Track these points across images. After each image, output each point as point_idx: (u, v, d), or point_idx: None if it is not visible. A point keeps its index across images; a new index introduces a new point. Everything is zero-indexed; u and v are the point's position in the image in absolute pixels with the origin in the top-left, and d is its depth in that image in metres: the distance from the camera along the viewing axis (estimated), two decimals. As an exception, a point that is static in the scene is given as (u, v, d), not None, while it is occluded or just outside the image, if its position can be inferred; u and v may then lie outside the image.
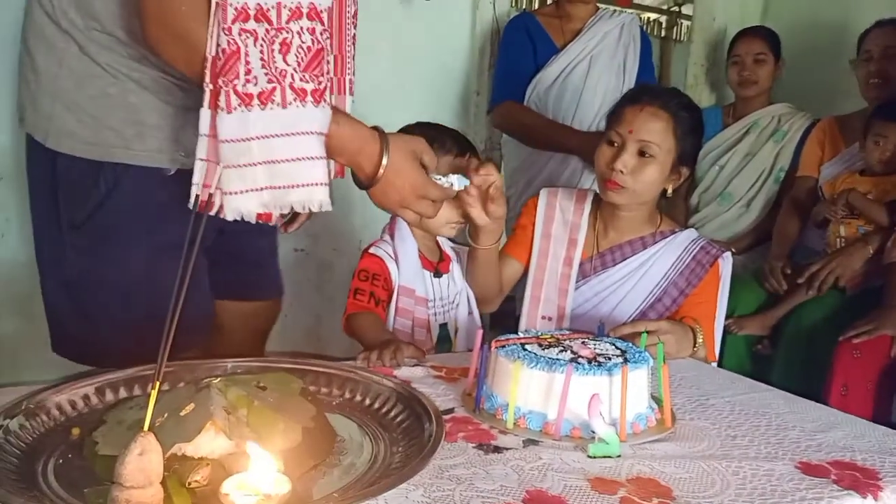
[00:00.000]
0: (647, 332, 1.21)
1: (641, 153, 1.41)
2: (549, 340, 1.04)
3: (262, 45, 0.89)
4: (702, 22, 3.12)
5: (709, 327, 1.45)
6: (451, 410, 0.98)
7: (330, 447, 0.82)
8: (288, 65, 0.91)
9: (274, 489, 0.67)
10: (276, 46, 0.90)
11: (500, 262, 1.54)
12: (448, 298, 1.49)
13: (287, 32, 0.90)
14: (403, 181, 1.03)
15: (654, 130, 1.41)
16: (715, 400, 1.09)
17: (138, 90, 1.04)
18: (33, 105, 1.08)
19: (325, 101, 0.94)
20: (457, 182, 1.14)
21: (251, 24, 0.88)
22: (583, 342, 1.03)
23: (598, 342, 1.04)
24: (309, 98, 0.92)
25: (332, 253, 2.55)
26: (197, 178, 0.93)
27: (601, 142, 1.47)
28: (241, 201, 0.92)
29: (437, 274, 1.48)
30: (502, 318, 1.89)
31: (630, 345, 1.04)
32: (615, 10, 2.39)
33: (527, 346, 1.00)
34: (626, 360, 0.95)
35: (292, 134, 0.91)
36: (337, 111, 0.97)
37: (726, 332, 2.06)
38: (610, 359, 0.96)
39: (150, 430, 0.65)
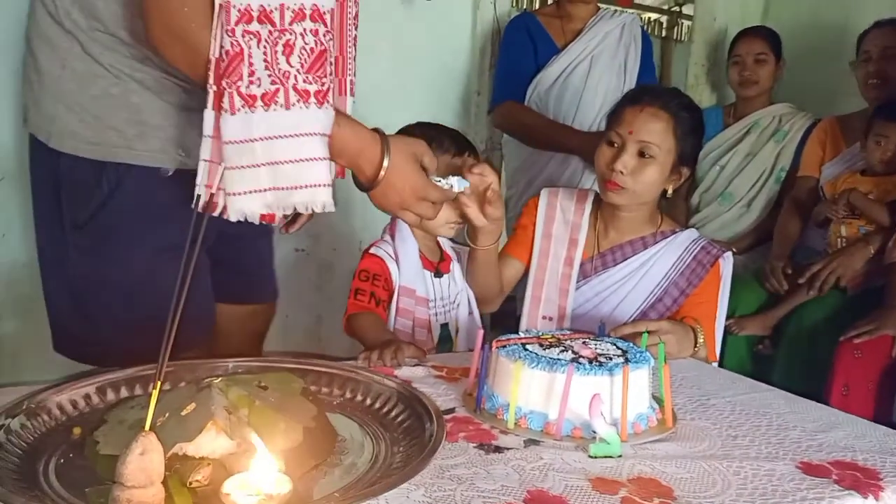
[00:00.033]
0: (648, 332, 1.21)
1: (641, 154, 1.41)
2: (550, 340, 1.04)
3: (265, 47, 0.89)
4: (702, 22, 3.12)
5: (709, 327, 1.45)
6: (451, 410, 0.98)
7: (331, 447, 0.83)
8: (291, 66, 0.91)
9: (275, 489, 0.67)
10: (280, 48, 0.90)
11: (500, 262, 1.54)
12: (449, 298, 1.49)
13: (290, 34, 0.90)
14: (404, 183, 1.04)
15: (655, 131, 1.41)
16: (716, 400, 1.09)
17: (140, 90, 1.04)
18: (36, 105, 1.08)
19: (328, 102, 0.94)
20: (456, 184, 1.15)
21: (254, 26, 0.89)
22: (584, 342, 1.03)
23: (598, 342, 1.04)
24: (312, 99, 0.92)
25: (333, 253, 2.55)
26: (201, 180, 0.93)
27: (601, 142, 1.47)
28: (245, 202, 0.92)
29: (438, 274, 1.48)
30: (503, 319, 1.89)
31: (631, 345, 1.05)
32: (616, 10, 2.39)
33: (528, 346, 1.00)
34: (627, 360, 0.95)
35: (296, 135, 0.92)
36: (337, 113, 0.97)
37: (727, 332, 2.06)
38: (611, 359, 0.96)
39: (151, 429, 0.65)
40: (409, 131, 1.43)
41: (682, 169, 1.47)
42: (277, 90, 0.90)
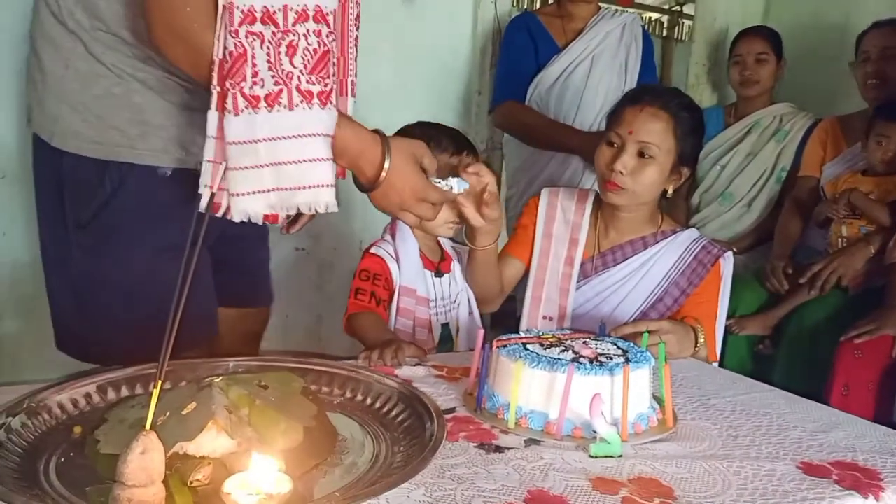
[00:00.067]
0: (649, 332, 1.21)
1: (641, 154, 1.41)
2: (551, 340, 1.04)
3: (268, 48, 0.90)
4: (703, 21, 3.12)
5: (710, 327, 1.45)
6: (452, 410, 0.98)
7: (331, 446, 0.83)
8: (294, 67, 0.91)
9: (275, 488, 0.67)
10: (283, 49, 0.90)
11: (501, 262, 1.54)
12: (450, 298, 1.49)
13: (293, 35, 0.91)
14: (404, 184, 1.04)
15: (654, 131, 1.41)
16: (716, 400, 1.09)
17: (143, 90, 1.05)
18: (40, 105, 1.09)
19: (331, 103, 0.94)
20: (456, 185, 1.15)
21: (258, 27, 0.89)
22: (584, 342, 1.03)
23: (599, 342, 1.04)
24: (315, 100, 0.92)
25: (333, 252, 2.55)
26: (206, 181, 0.93)
27: (601, 142, 1.47)
28: (248, 203, 0.93)
29: (439, 273, 1.48)
30: (503, 318, 1.89)
31: (631, 344, 1.05)
32: (617, 10, 2.38)
33: (528, 346, 1.00)
34: (627, 360, 0.95)
35: (299, 136, 0.92)
36: (338, 114, 0.98)
37: (727, 332, 2.06)
38: (611, 359, 0.96)
39: (152, 428, 0.65)
40: (408, 131, 1.43)
41: (683, 169, 1.47)
42: (281, 91, 0.91)
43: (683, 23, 3.15)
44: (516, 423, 0.92)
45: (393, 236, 1.46)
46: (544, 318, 1.55)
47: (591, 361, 0.94)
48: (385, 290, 1.41)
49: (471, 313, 1.53)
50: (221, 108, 0.91)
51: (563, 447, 0.88)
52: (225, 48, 0.89)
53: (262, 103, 0.90)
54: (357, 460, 0.81)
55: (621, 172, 1.41)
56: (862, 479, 0.83)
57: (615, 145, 1.44)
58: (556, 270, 1.55)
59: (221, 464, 0.73)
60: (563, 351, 0.98)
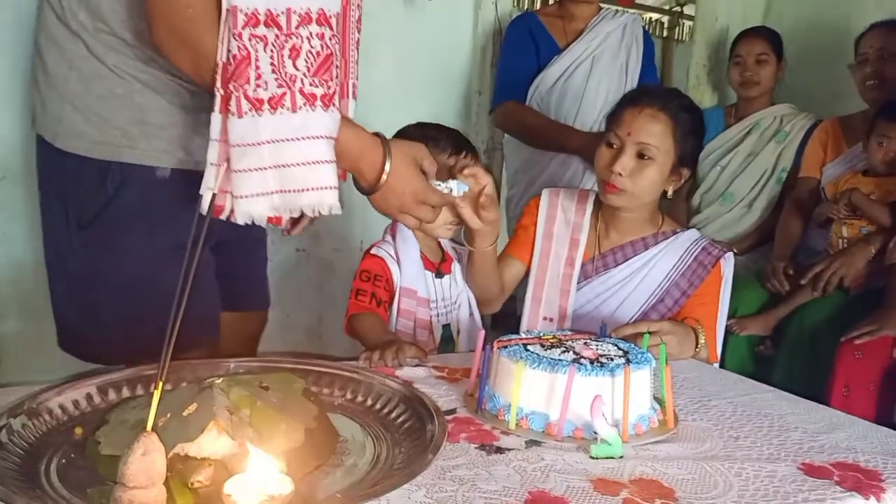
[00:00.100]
0: (650, 333, 1.21)
1: (640, 155, 1.41)
2: (552, 341, 1.04)
3: (272, 51, 0.90)
4: (704, 22, 3.12)
5: (711, 328, 1.45)
6: (453, 411, 0.98)
7: (332, 448, 0.83)
8: (297, 70, 0.92)
9: (276, 489, 0.67)
10: (286, 52, 0.91)
11: (501, 263, 1.54)
12: (450, 299, 1.49)
13: (297, 38, 0.91)
14: (404, 187, 1.05)
15: (653, 132, 1.40)
16: (717, 401, 1.09)
17: (144, 91, 1.05)
18: (43, 106, 1.09)
19: (334, 105, 0.95)
20: (456, 188, 1.16)
21: (261, 30, 0.89)
22: (585, 343, 1.03)
23: (600, 343, 1.04)
24: (318, 102, 0.93)
25: (334, 253, 2.55)
26: (209, 183, 0.93)
27: (600, 144, 1.47)
28: (252, 205, 0.93)
29: (439, 274, 1.48)
30: (504, 319, 1.89)
31: (632, 345, 1.04)
32: (618, 11, 2.38)
33: (529, 347, 1.00)
34: (628, 361, 0.95)
35: (302, 138, 0.92)
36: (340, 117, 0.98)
37: (728, 332, 2.06)
38: (612, 359, 0.96)
39: (153, 429, 0.65)
40: (407, 132, 1.43)
41: (682, 170, 1.47)
42: (284, 94, 0.91)
43: (684, 23, 3.15)
44: (517, 424, 0.92)
45: (393, 237, 1.46)
46: (545, 318, 1.55)
47: (591, 362, 0.94)
48: (386, 290, 1.41)
49: (471, 314, 1.52)
50: (225, 111, 0.91)
51: (563, 448, 0.88)
52: (228, 51, 0.90)
53: (266, 106, 0.90)
54: (358, 461, 0.81)
55: (620, 174, 1.41)
56: (863, 480, 0.83)
57: (614, 147, 1.44)
58: (556, 271, 1.55)
59: (222, 465, 0.73)
60: (563, 352, 0.98)
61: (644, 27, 2.39)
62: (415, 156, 1.07)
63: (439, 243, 1.52)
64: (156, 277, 1.06)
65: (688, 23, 3.15)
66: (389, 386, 0.96)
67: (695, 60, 3.12)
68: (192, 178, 0.98)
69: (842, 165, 2.30)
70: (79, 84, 1.05)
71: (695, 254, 1.49)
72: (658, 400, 1.01)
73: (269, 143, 0.91)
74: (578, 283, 1.53)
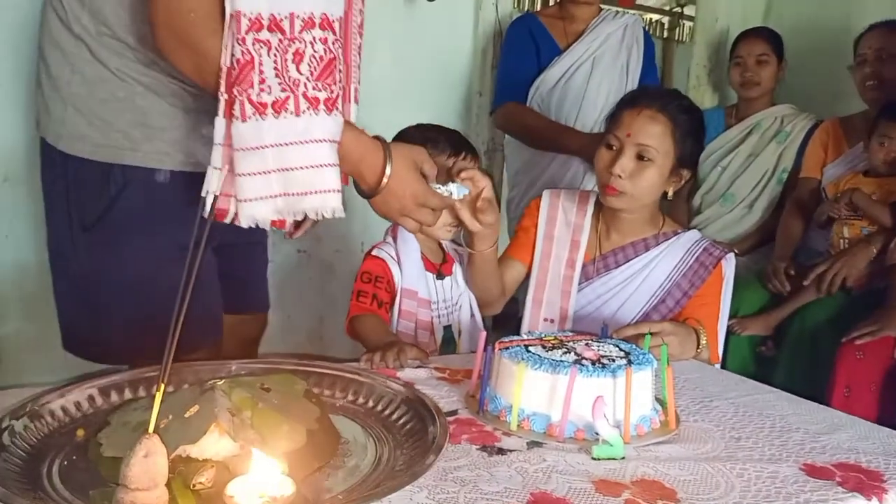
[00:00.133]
0: (651, 334, 1.21)
1: (640, 157, 1.41)
2: (553, 342, 1.04)
3: (275, 55, 0.91)
4: (704, 23, 3.12)
5: (712, 329, 1.45)
6: (454, 412, 0.98)
7: (334, 449, 0.83)
8: (301, 74, 0.92)
9: (278, 491, 0.67)
10: (290, 56, 0.91)
11: (502, 265, 1.54)
12: (451, 300, 1.49)
13: (300, 42, 0.92)
14: (404, 190, 1.05)
15: (652, 134, 1.40)
16: (719, 402, 1.09)
17: (146, 93, 1.05)
18: (46, 109, 1.10)
19: (337, 109, 0.96)
20: (456, 191, 1.17)
21: (265, 35, 0.90)
22: (586, 344, 1.03)
23: (601, 344, 1.04)
24: (321, 106, 0.94)
25: (335, 255, 2.55)
26: (213, 187, 0.94)
27: (600, 145, 1.47)
28: (256, 208, 0.94)
29: (440, 276, 1.48)
30: (504, 320, 1.89)
31: (634, 346, 1.04)
32: (618, 12, 2.38)
33: (530, 348, 1.00)
34: (629, 362, 0.95)
35: (306, 142, 0.93)
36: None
37: (729, 332, 2.06)
38: (614, 360, 0.96)
39: (154, 431, 0.65)
40: (407, 133, 1.43)
41: (682, 171, 1.47)
42: (287, 98, 0.92)
43: (684, 24, 3.15)
44: (519, 426, 0.92)
45: (394, 239, 1.46)
46: (545, 320, 1.55)
47: (593, 363, 0.94)
48: (387, 292, 1.41)
49: (472, 315, 1.52)
50: (229, 115, 0.92)
51: (565, 449, 0.88)
52: (232, 56, 0.90)
53: (270, 110, 0.91)
54: (360, 463, 0.81)
55: (619, 176, 1.40)
56: (865, 480, 0.83)
57: (614, 148, 1.44)
58: (557, 272, 1.55)
59: (224, 467, 0.73)
60: (565, 353, 0.98)
61: (644, 28, 2.39)
62: (415, 159, 1.08)
63: (440, 244, 1.52)
64: (158, 279, 1.06)
65: (688, 23, 3.15)
66: (391, 387, 0.96)
67: (695, 61, 3.12)
68: (193, 180, 0.98)
69: (842, 166, 2.30)
70: (81, 87, 1.05)
71: (696, 254, 1.49)
72: (659, 401, 1.01)
73: (272, 146, 0.92)
74: (579, 284, 1.53)
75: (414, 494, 0.74)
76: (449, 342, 1.48)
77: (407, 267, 1.43)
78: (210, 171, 0.94)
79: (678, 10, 3.12)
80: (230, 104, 0.91)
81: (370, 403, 0.95)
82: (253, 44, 0.90)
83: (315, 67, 0.93)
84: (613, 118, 1.47)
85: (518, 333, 1.11)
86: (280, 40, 0.90)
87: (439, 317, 1.47)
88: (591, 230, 1.55)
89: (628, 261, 1.50)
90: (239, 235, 0.99)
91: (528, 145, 2.30)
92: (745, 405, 1.08)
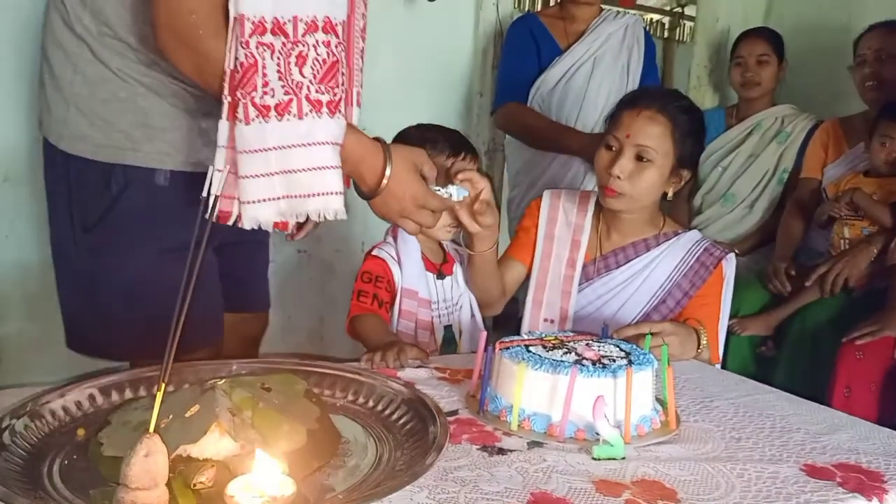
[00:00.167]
0: (651, 334, 1.21)
1: (639, 157, 1.41)
2: (553, 342, 1.04)
3: (278, 58, 0.92)
4: (705, 23, 3.12)
5: (713, 329, 1.45)
6: (455, 412, 0.99)
7: (334, 449, 0.83)
8: (304, 77, 0.93)
9: (279, 491, 0.67)
10: (293, 59, 0.92)
11: (502, 265, 1.54)
12: (452, 300, 1.49)
13: (303, 45, 0.92)
14: (404, 192, 1.06)
15: (652, 135, 1.40)
16: (719, 402, 1.09)
17: (147, 94, 1.06)
18: (49, 109, 1.10)
19: (339, 112, 0.96)
20: (455, 193, 1.17)
21: (268, 38, 0.91)
22: (587, 344, 1.03)
23: (602, 344, 1.04)
24: (324, 109, 0.94)
25: (335, 254, 2.55)
26: (215, 189, 0.94)
27: (600, 146, 1.47)
28: (259, 210, 0.95)
29: (440, 275, 1.48)
30: (505, 320, 1.89)
31: (634, 346, 1.04)
32: (619, 12, 2.38)
33: (531, 348, 1.00)
34: (630, 362, 0.95)
35: (308, 144, 0.94)
36: None
37: (730, 333, 2.06)
38: (614, 361, 0.96)
39: (155, 431, 0.65)
40: (408, 133, 1.43)
41: (682, 171, 1.46)
42: (291, 100, 0.92)
43: (685, 24, 3.16)
44: (519, 426, 0.92)
45: (395, 238, 1.46)
46: (545, 320, 1.55)
47: (593, 363, 0.94)
48: (387, 291, 1.41)
49: (473, 315, 1.52)
50: (232, 118, 0.93)
51: (566, 449, 0.88)
52: (236, 59, 0.91)
53: (273, 112, 0.92)
54: (360, 462, 0.81)
55: (619, 177, 1.40)
56: (865, 481, 0.83)
57: (613, 149, 1.44)
58: (557, 273, 1.55)
59: (225, 466, 0.73)
60: (565, 353, 0.98)
61: (645, 28, 2.39)
62: (415, 161, 1.08)
63: (441, 244, 1.52)
64: (159, 279, 1.07)
65: (689, 24, 3.15)
66: (391, 387, 0.96)
67: (696, 61, 3.12)
68: (194, 181, 0.99)
69: (843, 166, 2.30)
70: (83, 87, 1.06)
71: (696, 255, 1.49)
72: (660, 401, 1.01)
73: (275, 149, 0.93)
74: (580, 284, 1.53)
75: (414, 494, 0.74)
76: (450, 342, 1.48)
77: (407, 267, 1.43)
78: (213, 173, 0.94)
79: (679, 10, 3.12)
80: (234, 107, 0.92)
81: (371, 403, 0.95)
82: (256, 47, 0.90)
83: (318, 70, 0.93)
84: (613, 119, 1.47)
85: (518, 333, 1.11)
86: (283, 43, 0.91)
87: (440, 317, 1.47)
88: (591, 230, 1.55)
89: (629, 261, 1.50)
90: (241, 235, 1.00)
91: (529, 145, 2.30)
92: (746, 405, 1.08)
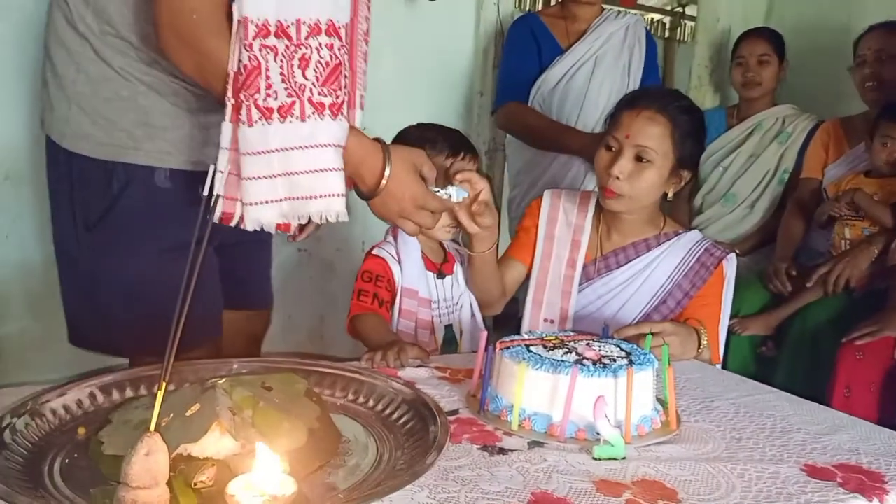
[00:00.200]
0: (652, 334, 1.21)
1: (639, 158, 1.40)
2: (554, 342, 1.04)
3: (282, 61, 0.92)
4: (706, 23, 3.12)
5: (713, 329, 1.45)
6: (455, 412, 0.99)
7: (335, 448, 0.83)
8: (307, 79, 0.93)
9: (279, 490, 0.67)
10: (296, 62, 0.93)
11: (503, 265, 1.53)
12: (452, 300, 1.49)
13: (306, 48, 0.93)
14: (403, 193, 1.06)
15: (651, 135, 1.40)
16: (720, 402, 1.09)
17: (149, 93, 1.06)
18: (52, 107, 1.11)
19: (342, 114, 0.97)
20: (455, 194, 1.17)
21: (272, 41, 0.91)
22: (587, 344, 1.03)
23: (602, 344, 1.04)
24: (327, 111, 0.95)
25: (335, 254, 2.55)
26: (217, 189, 0.95)
27: (600, 146, 1.47)
28: (262, 212, 0.95)
29: (441, 275, 1.48)
30: (505, 320, 1.89)
31: (635, 346, 1.04)
32: (620, 11, 2.38)
33: (531, 348, 1.00)
34: (631, 362, 0.95)
35: (311, 146, 0.94)
36: None
37: (730, 333, 2.06)
38: (615, 360, 0.96)
39: (156, 430, 0.65)
40: (408, 132, 1.43)
41: (682, 172, 1.46)
42: (293, 103, 0.93)
43: (685, 24, 3.16)
44: (520, 425, 0.92)
45: (395, 238, 1.46)
46: (545, 320, 1.55)
47: (594, 363, 0.94)
48: (387, 291, 1.41)
49: (473, 315, 1.52)
50: (236, 120, 0.93)
51: (566, 449, 0.88)
52: (239, 61, 0.91)
53: (276, 115, 0.92)
54: (361, 462, 0.81)
55: (618, 177, 1.40)
56: (866, 481, 0.83)
57: (613, 149, 1.43)
58: (557, 273, 1.54)
59: (225, 465, 0.73)
60: (566, 353, 0.98)
61: (646, 28, 2.39)
62: (414, 161, 1.09)
63: (441, 244, 1.52)
64: (160, 277, 1.07)
65: (689, 23, 3.15)
66: (392, 387, 0.96)
67: (696, 61, 3.12)
68: (195, 179, 0.99)
69: (843, 166, 2.30)
70: (86, 86, 1.06)
71: (697, 255, 1.49)
72: (660, 401, 1.01)
73: (278, 151, 0.93)
74: (580, 284, 1.52)
75: (415, 494, 0.74)
76: (451, 342, 1.48)
77: (407, 266, 1.43)
78: (217, 174, 0.95)
79: (679, 9, 3.12)
80: (237, 109, 0.92)
81: (371, 403, 0.95)
82: (260, 49, 0.91)
83: (321, 73, 0.94)
84: (613, 119, 1.47)
85: (518, 333, 1.11)
86: (286, 46, 0.92)
87: (440, 316, 1.47)
88: (591, 230, 1.55)
89: (629, 261, 1.50)
90: (243, 234, 1.00)
91: (530, 145, 2.30)
92: (746, 405, 1.08)
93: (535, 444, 0.89)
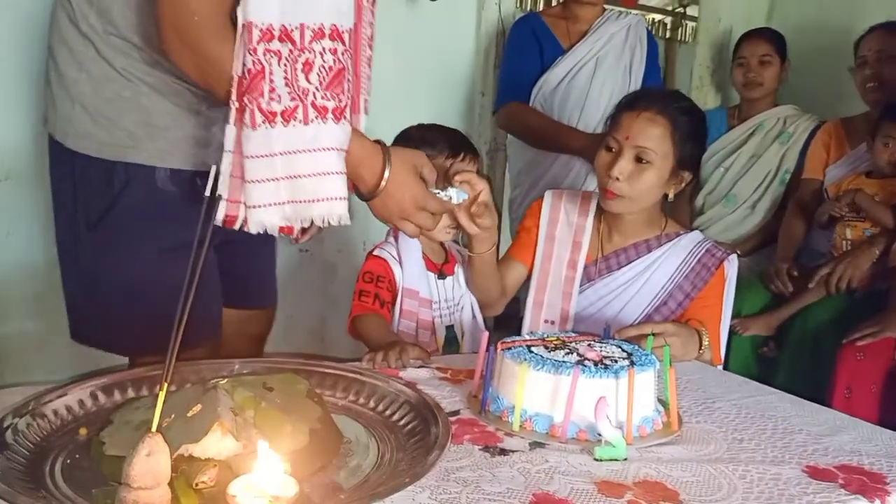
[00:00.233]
0: (653, 335, 1.21)
1: (639, 159, 1.40)
2: (555, 343, 1.04)
3: (285, 65, 0.93)
4: (707, 23, 3.11)
5: (714, 330, 1.45)
6: (456, 412, 0.99)
7: (336, 449, 0.83)
8: (310, 83, 0.94)
9: (281, 490, 0.67)
10: (300, 66, 0.93)
11: (503, 265, 1.53)
12: (453, 300, 1.49)
13: (310, 52, 0.94)
14: (403, 194, 1.07)
15: (651, 136, 1.40)
16: (721, 403, 1.09)
17: (150, 93, 1.06)
18: (54, 106, 1.11)
19: (345, 118, 0.97)
20: (455, 195, 1.17)
21: (275, 45, 0.92)
22: (589, 344, 1.03)
23: (604, 345, 1.04)
24: (330, 115, 0.95)
25: (337, 254, 2.55)
26: (219, 189, 0.95)
27: (600, 147, 1.47)
28: (265, 214, 0.96)
29: (442, 275, 1.48)
30: (506, 321, 1.89)
31: (636, 347, 1.04)
32: (622, 12, 2.38)
33: (533, 349, 1.00)
34: (632, 363, 0.95)
35: (314, 150, 0.95)
36: None
37: (732, 333, 2.06)
38: (616, 361, 0.96)
39: (157, 430, 0.65)
40: (408, 133, 1.43)
41: (683, 173, 1.46)
42: (297, 107, 0.93)
43: (687, 24, 3.16)
44: (521, 426, 0.92)
45: (396, 238, 1.46)
46: (546, 321, 1.55)
47: (595, 364, 0.94)
48: (388, 291, 1.41)
49: (474, 316, 1.53)
50: (239, 123, 0.93)
51: (567, 450, 0.88)
52: (243, 65, 0.92)
53: (279, 118, 0.93)
54: (362, 463, 0.81)
55: (618, 179, 1.40)
56: (868, 483, 0.83)
57: (613, 150, 1.43)
58: (558, 274, 1.54)
59: (227, 466, 0.73)
60: (567, 354, 0.98)
61: (648, 29, 2.39)
62: (414, 163, 1.09)
63: (442, 244, 1.52)
64: (161, 277, 1.07)
65: (691, 24, 3.15)
66: (393, 387, 0.96)
67: (698, 62, 3.12)
68: (196, 179, 0.99)
69: (845, 167, 2.30)
70: (88, 86, 1.06)
71: (698, 256, 1.48)
72: (662, 402, 1.01)
73: (281, 154, 0.94)
74: (581, 285, 1.52)
75: (416, 494, 0.74)
76: (452, 342, 1.48)
77: (408, 266, 1.43)
78: (221, 177, 0.95)
79: (681, 10, 3.12)
80: (241, 112, 0.93)
81: (372, 403, 0.95)
82: (264, 54, 0.91)
83: (324, 77, 0.95)
84: (613, 120, 1.47)
85: (519, 334, 1.11)
86: (290, 50, 0.92)
87: (441, 317, 1.47)
88: (592, 231, 1.54)
89: (630, 262, 1.50)
90: (244, 233, 1.00)
91: (531, 145, 2.30)
92: (748, 406, 1.08)
93: (536, 445, 0.89)
